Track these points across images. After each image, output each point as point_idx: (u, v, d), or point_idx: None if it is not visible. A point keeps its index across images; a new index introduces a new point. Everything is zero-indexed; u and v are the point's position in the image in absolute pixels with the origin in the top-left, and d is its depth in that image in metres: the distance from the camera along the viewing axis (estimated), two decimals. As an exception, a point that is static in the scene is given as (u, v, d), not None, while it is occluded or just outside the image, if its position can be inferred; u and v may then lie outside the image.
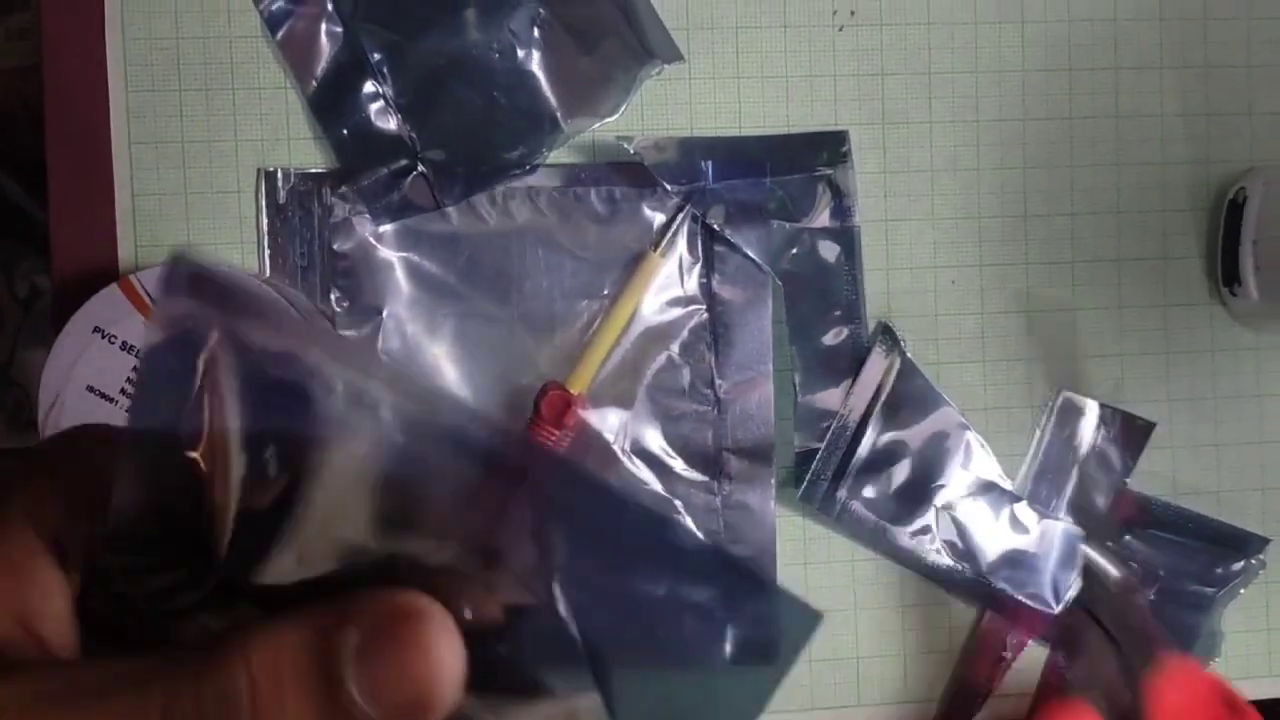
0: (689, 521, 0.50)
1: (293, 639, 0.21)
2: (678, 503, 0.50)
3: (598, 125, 0.50)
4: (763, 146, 0.51)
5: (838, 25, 0.51)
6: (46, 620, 0.24)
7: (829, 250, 0.51)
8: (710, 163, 0.50)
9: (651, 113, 0.50)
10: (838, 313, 0.51)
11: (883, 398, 0.51)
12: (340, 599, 0.21)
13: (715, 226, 0.50)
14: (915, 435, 0.51)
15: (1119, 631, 0.50)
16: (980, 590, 0.51)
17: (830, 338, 0.51)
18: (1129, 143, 0.53)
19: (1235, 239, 0.51)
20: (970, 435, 0.50)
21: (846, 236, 0.51)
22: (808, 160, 0.51)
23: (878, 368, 0.51)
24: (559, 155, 0.50)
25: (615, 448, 0.50)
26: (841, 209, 0.51)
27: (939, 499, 0.51)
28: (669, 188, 0.49)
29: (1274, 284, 0.50)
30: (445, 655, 0.21)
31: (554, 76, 0.50)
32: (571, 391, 0.49)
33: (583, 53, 0.50)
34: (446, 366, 0.49)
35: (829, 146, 0.51)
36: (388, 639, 0.21)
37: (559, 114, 0.50)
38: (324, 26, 0.49)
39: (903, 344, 0.51)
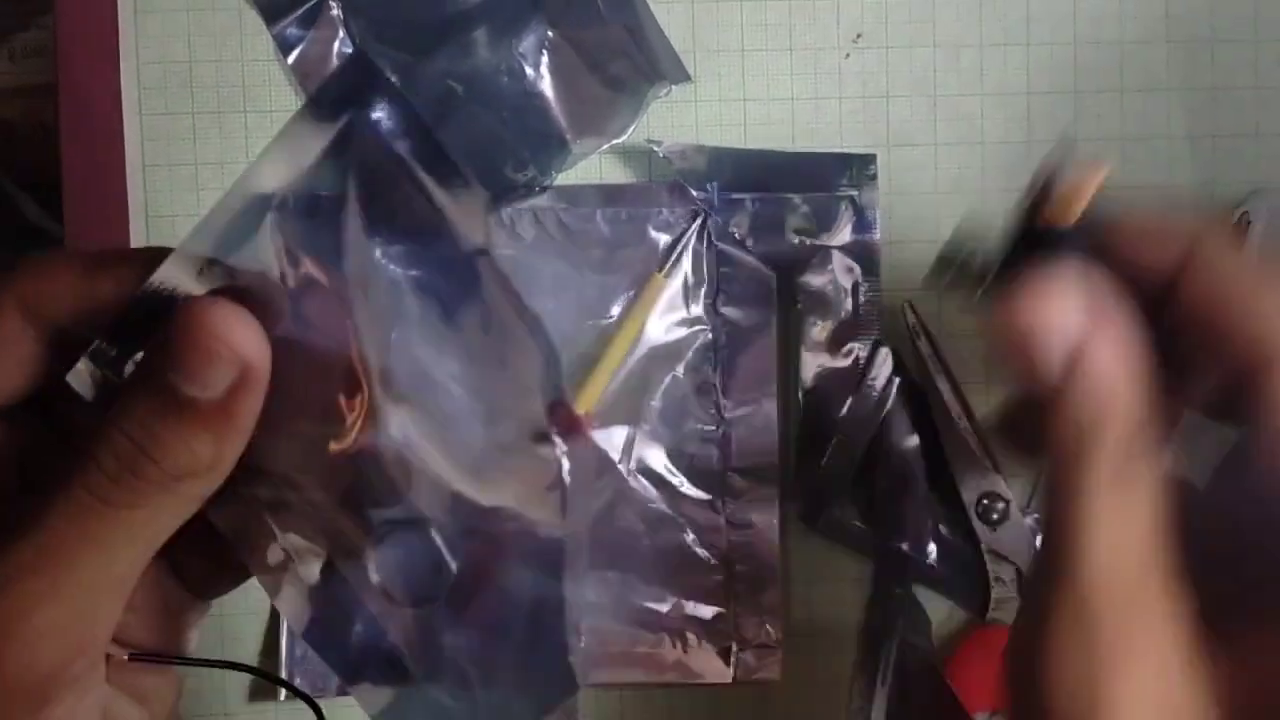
0: (690, 537, 0.51)
1: (135, 385, 0.26)
2: (682, 520, 0.51)
3: (606, 147, 0.51)
4: (789, 162, 0.51)
5: (844, 53, 0.52)
6: None
7: (847, 269, 0.51)
8: (715, 184, 0.50)
9: (659, 134, 0.51)
10: (850, 331, 0.51)
11: (883, 415, 0.51)
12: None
13: (736, 235, 0.50)
14: (916, 452, 0.51)
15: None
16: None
17: (841, 356, 0.51)
18: (1134, 165, 0.53)
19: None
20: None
21: (866, 256, 0.51)
22: (834, 179, 0.51)
23: (879, 385, 0.51)
24: (566, 177, 0.51)
25: (620, 467, 0.50)
26: (863, 229, 0.51)
27: (940, 512, 0.51)
28: (694, 193, 0.50)
29: None
30: (229, 321, 0.26)
31: (563, 98, 0.50)
32: (577, 411, 0.50)
33: (591, 74, 0.51)
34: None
35: (857, 167, 0.51)
36: (178, 333, 0.26)
37: (568, 135, 0.50)
38: (336, 49, 0.50)
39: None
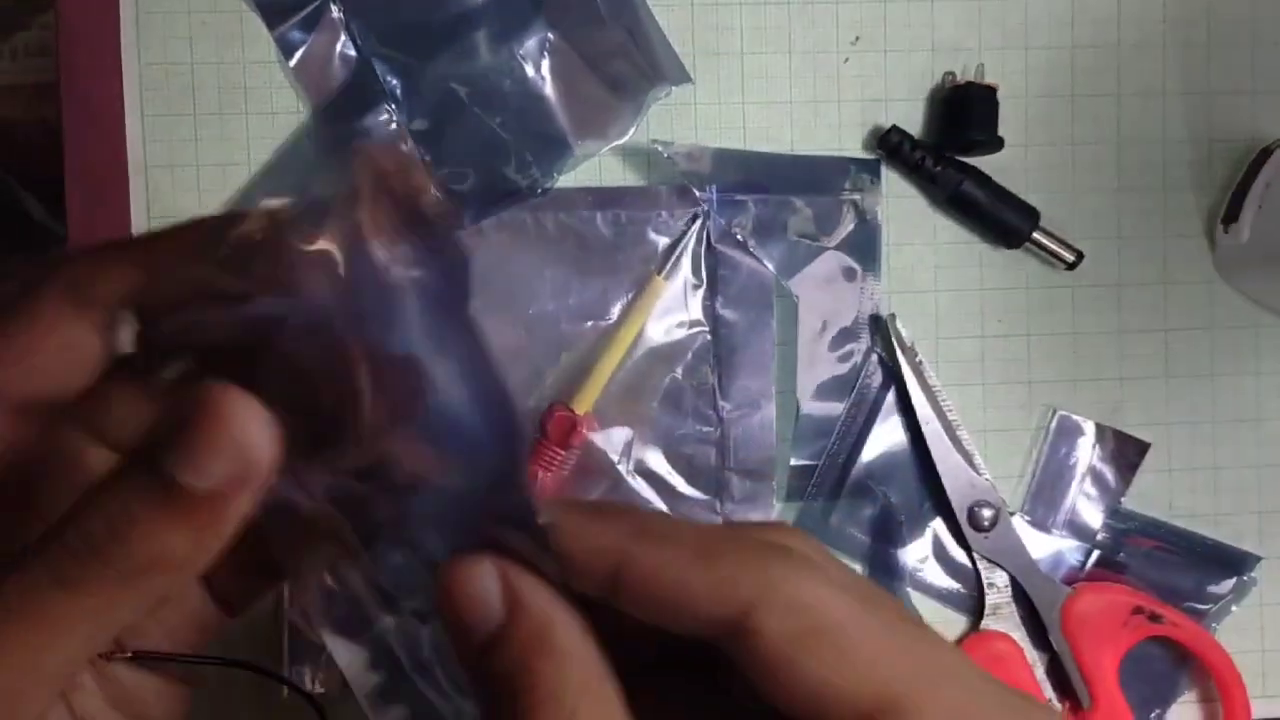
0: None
1: (122, 467, 0.24)
2: (681, 520, 0.51)
3: (606, 149, 0.51)
4: (793, 165, 0.52)
5: (843, 56, 0.52)
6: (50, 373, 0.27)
7: (847, 271, 0.52)
8: (714, 187, 0.51)
9: (658, 136, 0.51)
10: (850, 333, 0.52)
11: (879, 419, 0.52)
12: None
13: (739, 237, 0.51)
14: (910, 456, 0.52)
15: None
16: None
17: (840, 357, 0.52)
18: (1131, 168, 0.53)
19: (1252, 180, 0.52)
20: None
21: (867, 258, 0.52)
22: (837, 183, 0.52)
23: (874, 387, 0.52)
24: (567, 179, 0.51)
25: (619, 467, 0.51)
26: (865, 232, 0.52)
27: (933, 519, 0.52)
28: (697, 194, 0.50)
29: (1267, 227, 0.51)
30: (248, 425, 0.24)
31: (564, 100, 0.51)
32: (577, 412, 0.50)
33: (592, 76, 0.51)
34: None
35: (860, 172, 0.52)
36: (193, 421, 0.24)
37: (569, 137, 0.51)
38: (337, 52, 0.50)
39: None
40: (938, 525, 0.52)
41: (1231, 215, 0.52)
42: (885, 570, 0.52)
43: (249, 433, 0.24)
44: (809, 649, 0.24)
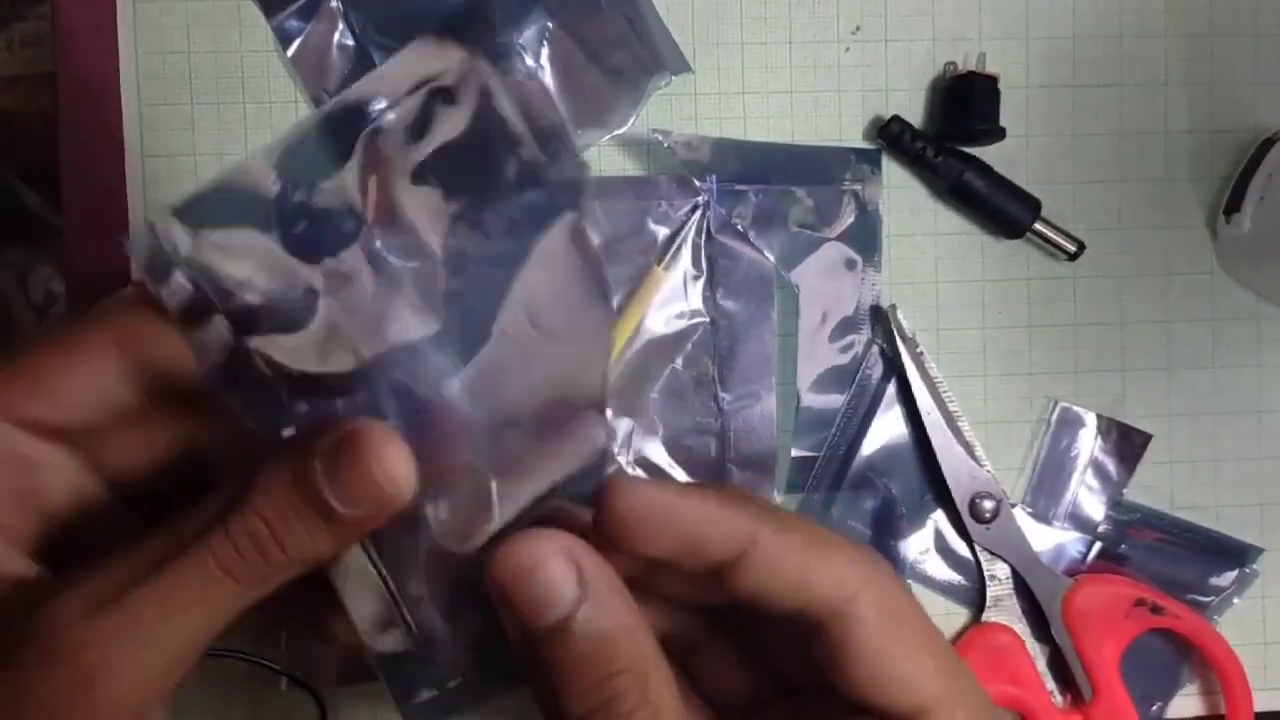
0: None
1: (282, 479, 0.27)
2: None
3: (606, 138, 0.51)
4: (794, 155, 0.51)
5: (843, 46, 0.52)
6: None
7: (848, 262, 0.51)
8: (714, 177, 0.50)
9: (659, 126, 0.51)
10: (850, 324, 0.52)
11: (879, 410, 0.52)
12: (308, 437, 0.28)
13: (739, 227, 0.50)
14: (911, 447, 0.52)
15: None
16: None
17: (840, 349, 0.52)
18: (1133, 158, 0.53)
19: (1254, 170, 0.52)
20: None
21: (868, 249, 0.51)
22: (838, 173, 0.51)
23: (875, 379, 0.52)
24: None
25: (619, 458, 0.51)
26: (866, 223, 0.51)
27: (934, 510, 0.52)
28: (697, 184, 0.50)
29: (1268, 218, 0.50)
30: (393, 457, 0.27)
31: (563, 89, 0.50)
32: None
33: (591, 65, 0.50)
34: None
35: (861, 162, 0.51)
36: (343, 453, 0.27)
37: (568, 126, 0.50)
38: (335, 41, 0.50)
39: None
40: (939, 517, 0.52)
41: (1233, 206, 0.52)
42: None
43: (398, 473, 0.27)
44: (898, 641, 0.28)
